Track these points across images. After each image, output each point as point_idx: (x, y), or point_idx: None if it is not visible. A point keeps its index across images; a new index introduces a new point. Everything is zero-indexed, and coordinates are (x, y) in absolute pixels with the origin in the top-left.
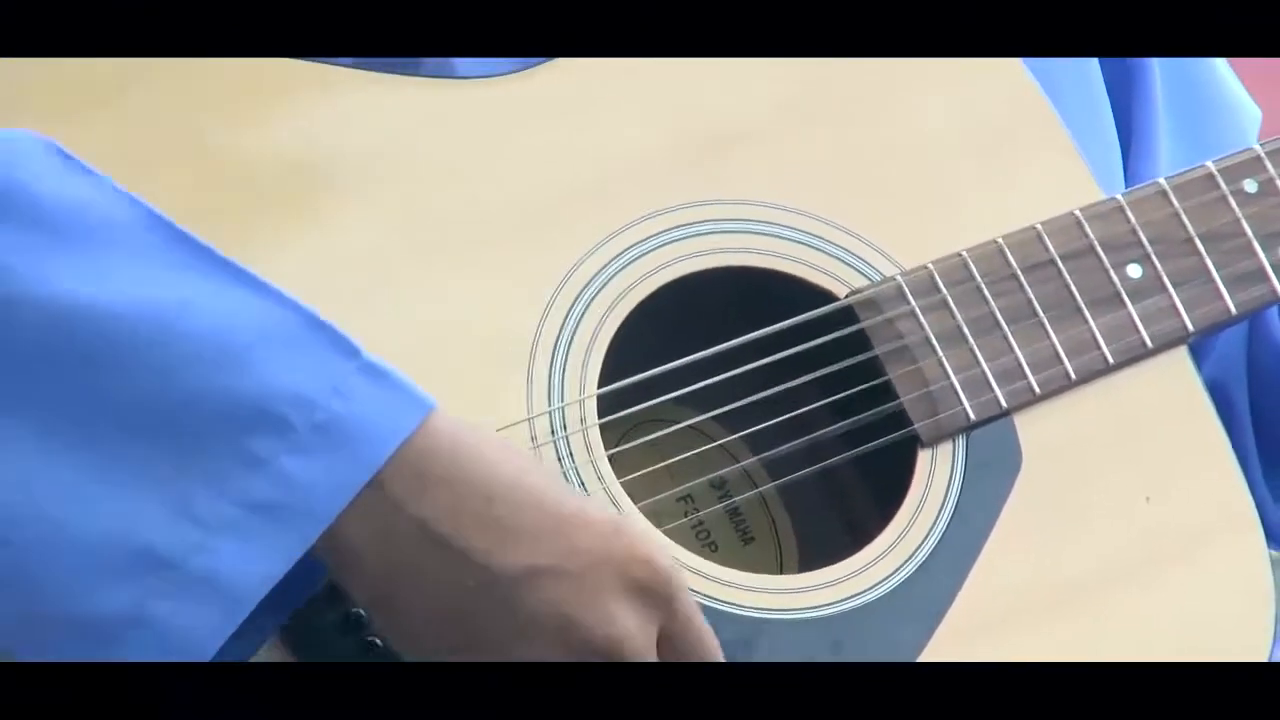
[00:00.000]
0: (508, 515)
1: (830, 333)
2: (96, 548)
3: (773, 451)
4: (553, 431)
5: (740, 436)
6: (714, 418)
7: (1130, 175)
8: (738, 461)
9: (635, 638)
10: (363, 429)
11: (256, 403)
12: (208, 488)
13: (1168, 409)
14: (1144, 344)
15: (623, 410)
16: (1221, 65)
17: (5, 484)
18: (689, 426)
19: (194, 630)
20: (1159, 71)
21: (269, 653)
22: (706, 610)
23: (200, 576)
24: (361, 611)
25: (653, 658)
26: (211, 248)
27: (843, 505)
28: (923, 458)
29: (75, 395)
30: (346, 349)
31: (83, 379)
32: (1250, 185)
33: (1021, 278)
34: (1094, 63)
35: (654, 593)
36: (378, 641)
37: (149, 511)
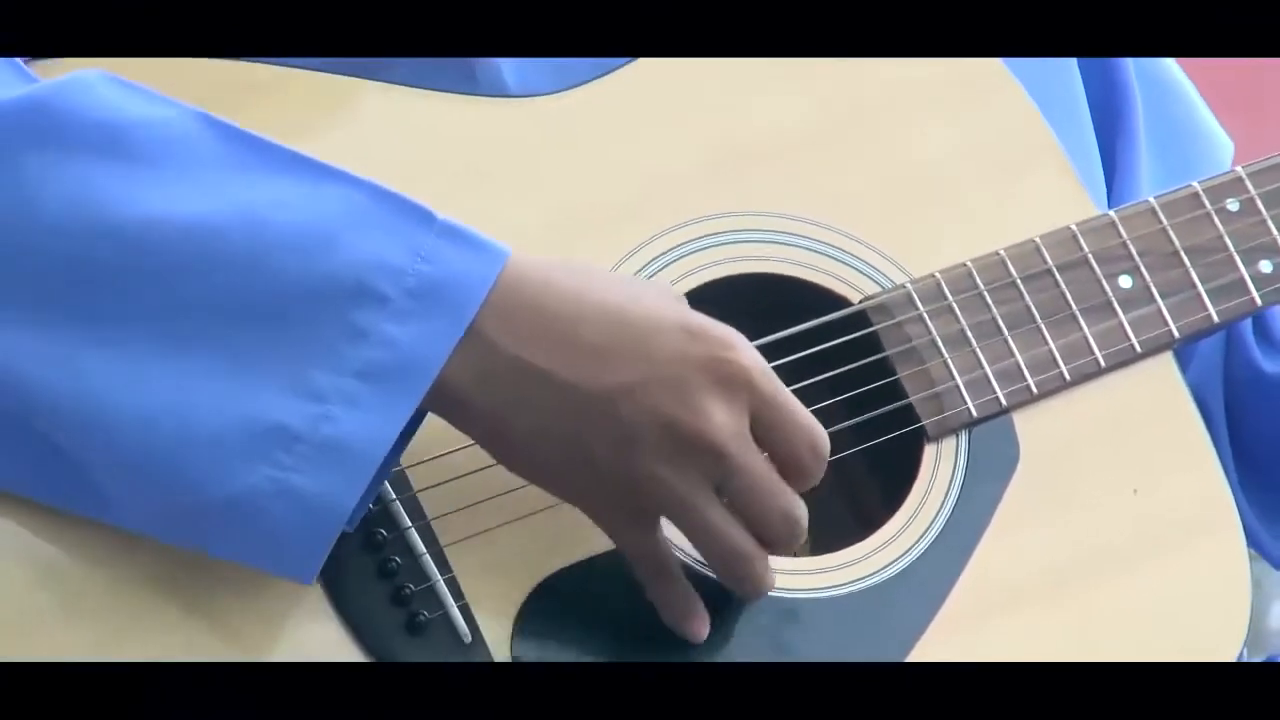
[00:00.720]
0: (594, 338)
1: (845, 335)
2: (230, 434)
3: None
4: None
5: None
6: None
7: (1114, 202)
8: None
9: (727, 425)
10: (450, 286)
11: (352, 280)
12: (322, 364)
13: (1154, 409)
14: (1133, 349)
15: None
16: (1198, 101)
17: (132, 391)
18: None
19: (330, 494)
20: (1142, 110)
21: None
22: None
23: (328, 444)
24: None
25: (749, 443)
26: (280, 145)
27: (853, 494)
28: (928, 451)
29: (187, 303)
30: (422, 216)
31: (191, 287)
32: (1232, 204)
33: (1021, 286)
34: (1081, 93)
35: (735, 381)
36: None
37: (272, 394)
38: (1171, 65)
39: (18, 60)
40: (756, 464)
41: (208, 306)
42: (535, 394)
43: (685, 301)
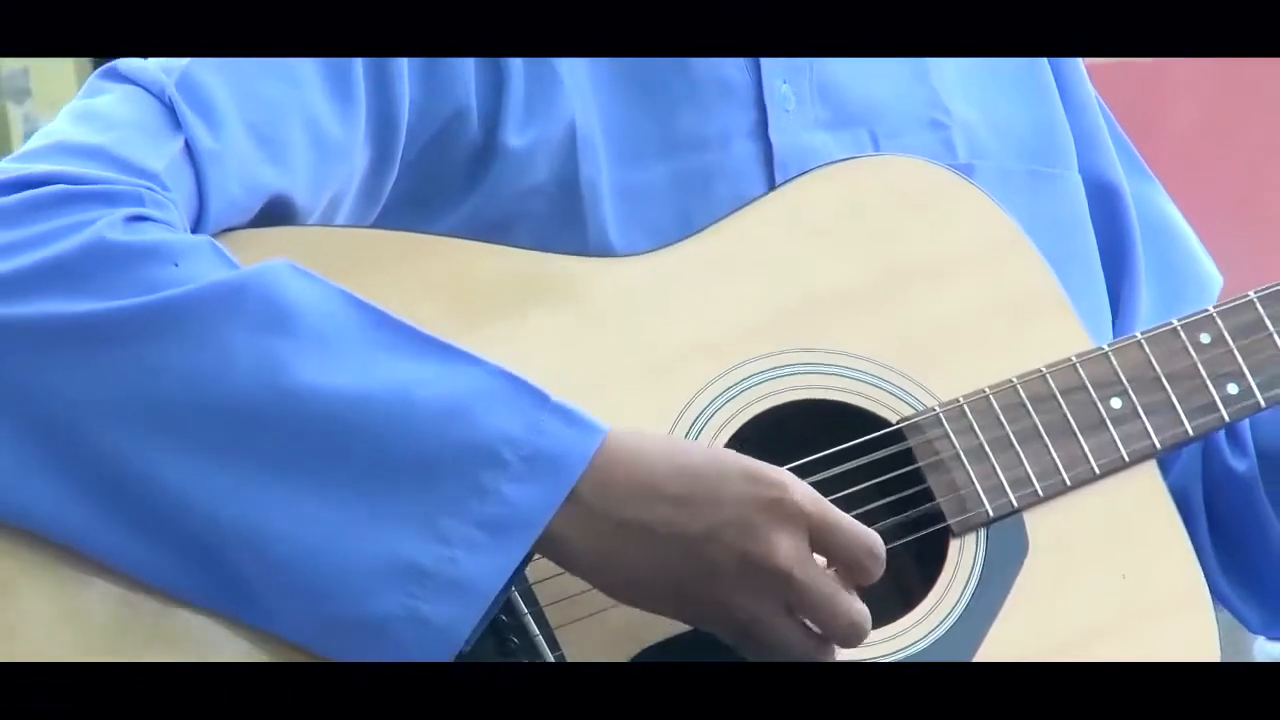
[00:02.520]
0: (675, 494)
1: (884, 449)
2: (372, 566)
3: None
4: None
5: None
6: None
7: (1117, 332)
8: None
9: (790, 554)
10: (557, 457)
11: (481, 447)
12: (451, 514)
13: (1140, 508)
14: (1123, 459)
15: None
16: (1194, 242)
17: (292, 523)
18: None
19: (451, 622)
20: (1143, 257)
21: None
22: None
23: (452, 581)
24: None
25: (810, 564)
26: (417, 329)
27: (893, 580)
28: (953, 545)
29: (342, 458)
30: (539, 397)
31: (346, 445)
32: (1205, 337)
33: (1030, 408)
34: (1093, 243)
35: (791, 514)
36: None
37: (409, 537)
38: (1171, 210)
39: (218, 243)
40: (818, 582)
41: (359, 461)
42: (627, 544)
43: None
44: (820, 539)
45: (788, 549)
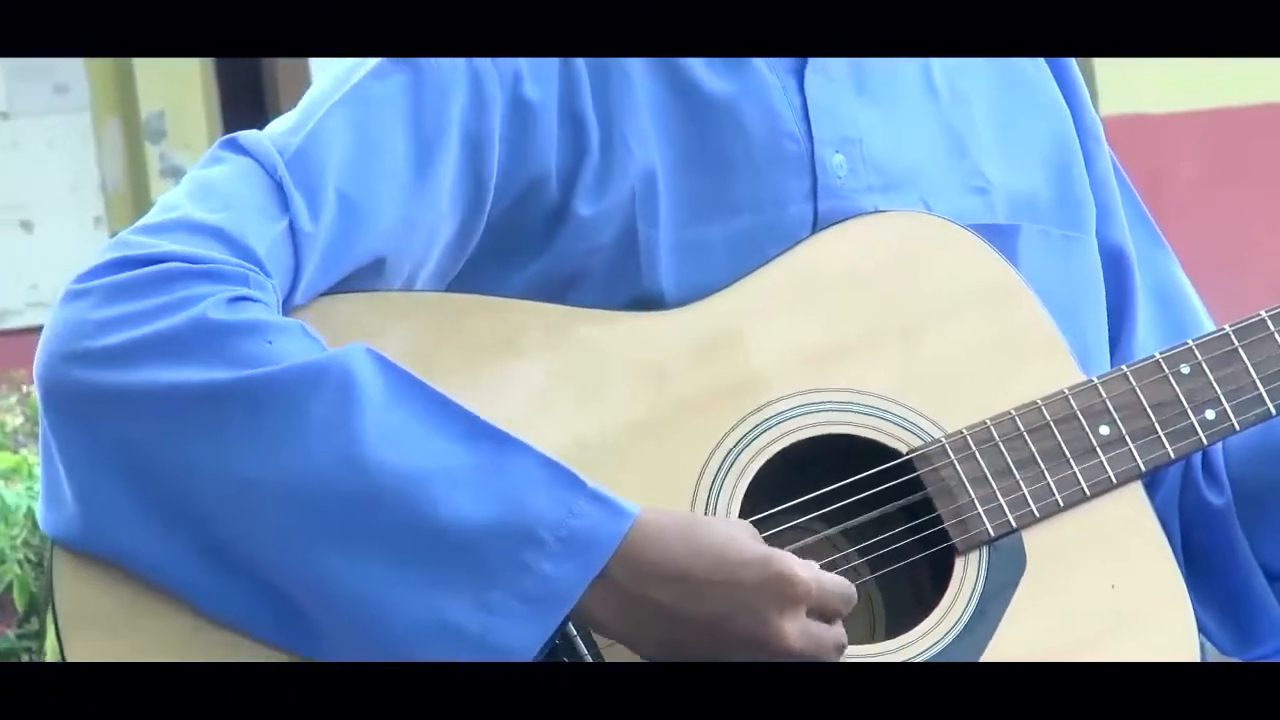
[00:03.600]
0: (695, 577)
1: (897, 478)
2: (424, 627)
3: (870, 555)
4: None
5: (849, 544)
6: (824, 538)
7: (1115, 361)
8: (848, 561)
9: (795, 634)
10: (591, 538)
11: (523, 529)
12: (495, 586)
13: (1126, 525)
14: (1110, 481)
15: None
16: (1193, 298)
17: (362, 584)
18: (823, 538)
19: None
20: (1149, 319)
21: None
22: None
23: (493, 647)
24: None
25: (809, 635)
26: (483, 420)
27: (908, 592)
28: (958, 562)
29: (401, 528)
30: (576, 482)
31: (405, 518)
32: (1185, 368)
33: (1027, 437)
34: (1102, 291)
35: (796, 597)
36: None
37: (457, 603)
38: (1178, 273)
39: (305, 324)
40: (816, 643)
41: (417, 533)
42: (650, 618)
43: (758, 535)
44: (815, 608)
45: (792, 630)
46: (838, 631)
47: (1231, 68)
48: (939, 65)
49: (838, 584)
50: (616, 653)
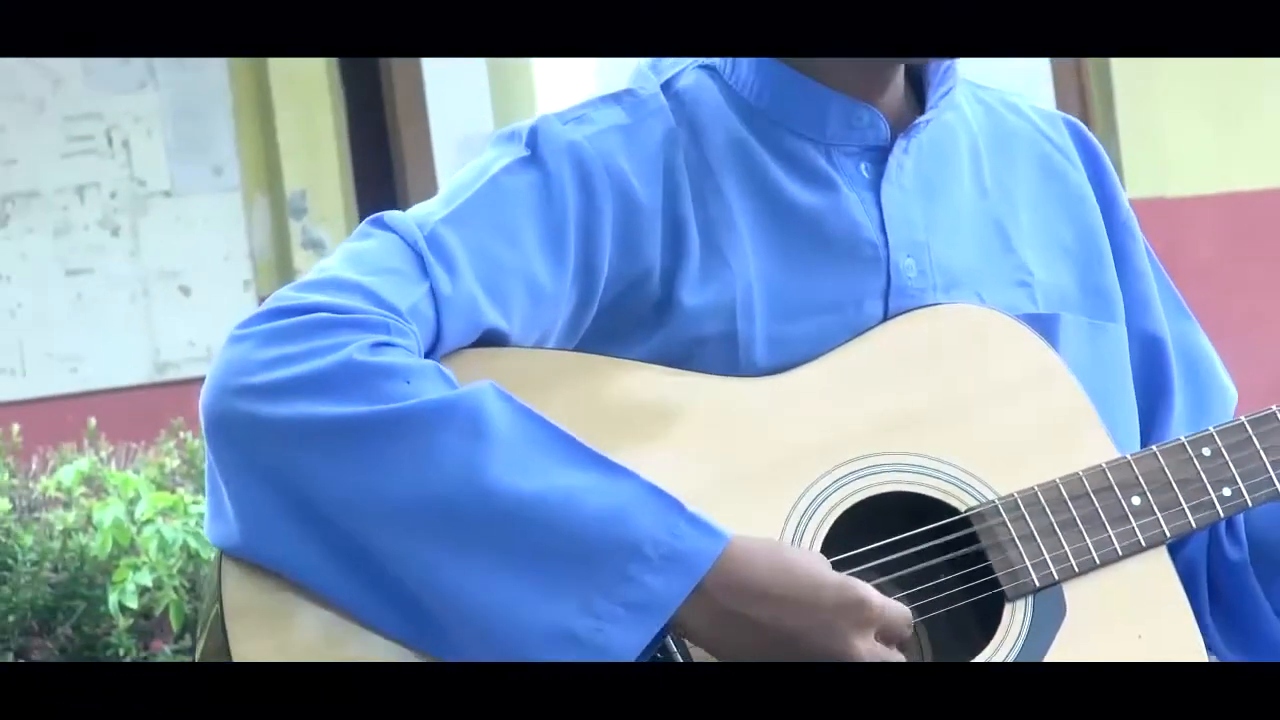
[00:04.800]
0: (778, 596)
1: (955, 532)
2: (540, 630)
3: (925, 600)
4: None
5: (910, 587)
6: (891, 580)
7: (1146, 443)
8: (912, 601)
9: (863, 649)
10: (689, 556)
11: (629, 544)
12: (602, 596)
13: (1153, 583)
14: (1140, 544)
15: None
16: (1216, 362)
17: (477, 590)
18: (888, 580)
19: None
20: (1181, 387)
21: None
22: None
23: (599, 648)
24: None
25: (876, 649)
26: (594, 450)
27: (960, 633)
28: (1007, 608)
29: (522, 543)
30: (676, 506)
31: (525, 534)
32: (1206, 451)
33: (1070, 503)
34: (1128, 373)
35: (866, 619)
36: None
37: (569, 610)
38: (1204, 342)
39: (442, 366)
40: (879, 661)
41: (536, 548)
42: (738, 631)
43: (829, 565)
44: (881, 630)
45: (862, 647)
46: (898, 654)
47: (1247, 153)
48: (988, 164)
49: (901, 610)
50: (702, 655)
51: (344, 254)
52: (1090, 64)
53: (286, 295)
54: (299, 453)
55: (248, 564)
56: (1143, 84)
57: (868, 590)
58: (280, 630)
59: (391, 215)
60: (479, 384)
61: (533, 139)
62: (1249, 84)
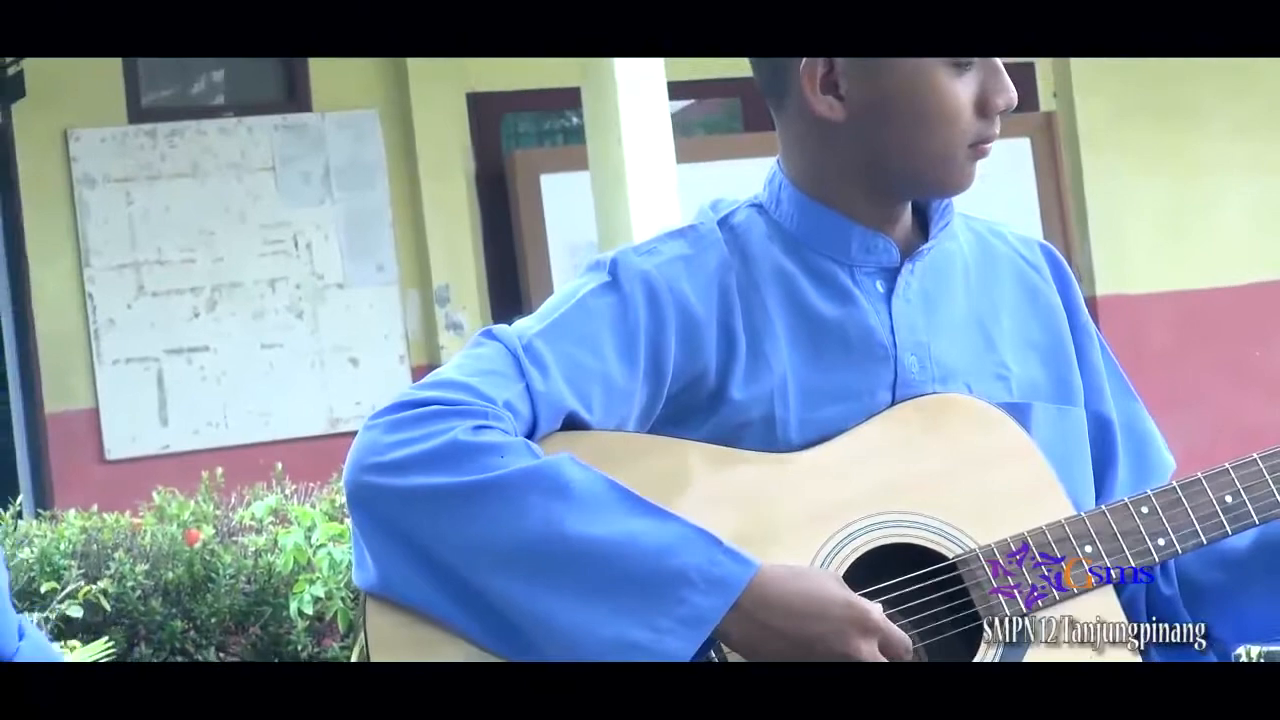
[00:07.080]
0: (799, 611)
1: (943, 575)
2: (612, 642)
3: (923, 628)
4: None
5: (904, 619)
6: (897, 612)
7: (1098, 502)
8: (914, 629)
9: (865, 653)
10: (727, 580)
11: (679, 573)
12: (661, 614)
13: (1101, 615)
14: (1091, 585)
15: None
16: (1158, 439)
17: (561, 612)
18: (895, 612)
19: None
20: (1124, 460)
21: None
22: None
23: (660, 654)
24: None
25: (877, 655)
26: (646, 500)
27: (946, 658)
28: (987, 633)
29: (594, 576)
30: (715, 541)
31: (596, 569)
32: (1144, 509)
33: (1037, 555)
34: (1087, 450)
35: (870, 629)
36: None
37: (634, 626)
38: (1147, 422)
39: (529, 443)
40: (880, 659)
41: (606, 580)
42: (767, 638)
43: (843, 582)
44: (883, 641)
45: (866, 650)
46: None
47: (1196, 258)
48: (977, 280)
49: (903, 637)
50: (736, 657)
51: (458, 359)
52: (1070, 188)
53: (408, 392)
54: (419, 515)
55: (385, 602)
56: (1109, 202)
57: (872, 605)
58: (411, 652)
59: (498, 328)
60: (558, 455)
61: (614, 268)
62: (1199, 197)
